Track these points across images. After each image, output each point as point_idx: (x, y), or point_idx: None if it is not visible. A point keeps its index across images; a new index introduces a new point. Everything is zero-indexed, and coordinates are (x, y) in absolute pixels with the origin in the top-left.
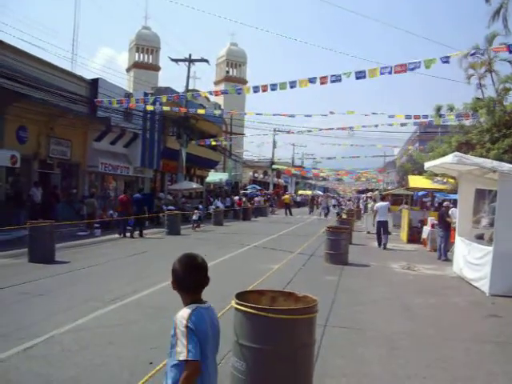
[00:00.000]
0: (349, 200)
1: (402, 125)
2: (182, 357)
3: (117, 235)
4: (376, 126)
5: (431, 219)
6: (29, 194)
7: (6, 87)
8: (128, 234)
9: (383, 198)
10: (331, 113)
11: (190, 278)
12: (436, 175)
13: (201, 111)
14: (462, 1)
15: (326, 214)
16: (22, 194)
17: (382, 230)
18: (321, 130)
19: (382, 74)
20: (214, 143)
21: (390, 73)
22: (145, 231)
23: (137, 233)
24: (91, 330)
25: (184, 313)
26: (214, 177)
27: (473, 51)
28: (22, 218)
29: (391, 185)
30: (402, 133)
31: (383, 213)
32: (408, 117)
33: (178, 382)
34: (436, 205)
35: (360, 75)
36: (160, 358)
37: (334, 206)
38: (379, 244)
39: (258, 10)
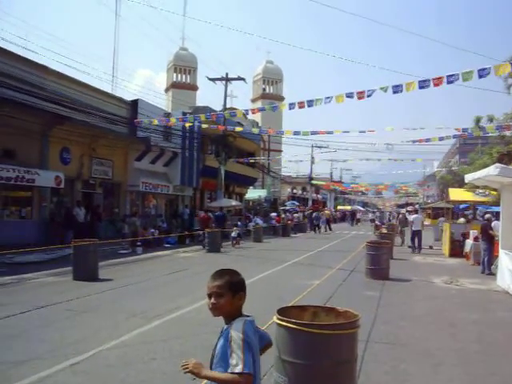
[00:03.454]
0: (381, 212)
1: (441, 139)
2: (238, 369)
3: (159, 252)
4: (414, 141)
5: (473, 232)
6: (72, 214)
7: (50, 111)
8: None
9: (417, 211)
10: (370, 131)
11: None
12: (477, 187)
13: (238, 129)
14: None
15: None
16: (68, 213)
17: (417, 237)
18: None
19: (420, 88)
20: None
21: (427, 86)
22: (186, 249)
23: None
24: (135, 346)
25: (239, 326)
26: (253, 194)
27: None
28: (69, 237)
29: (431, 198)
30: (441, 145)
31: (417, 223)
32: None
33: None
34: (479, 218)
35: (397, 89)
36: None
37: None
38: (413, 250)
39: (294, 27)
